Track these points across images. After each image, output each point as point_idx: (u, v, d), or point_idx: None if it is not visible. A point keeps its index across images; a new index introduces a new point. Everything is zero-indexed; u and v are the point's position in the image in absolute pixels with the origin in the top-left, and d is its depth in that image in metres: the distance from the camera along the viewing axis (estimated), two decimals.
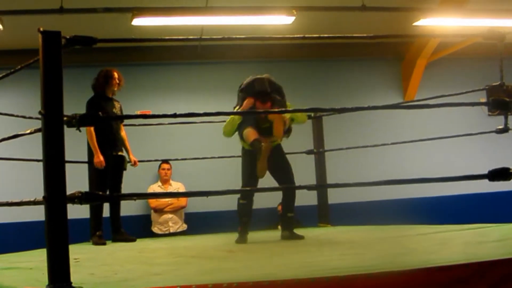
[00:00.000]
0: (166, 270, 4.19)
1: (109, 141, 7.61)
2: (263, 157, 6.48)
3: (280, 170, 6.74)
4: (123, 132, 7.97)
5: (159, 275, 3.90)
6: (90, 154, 7.56)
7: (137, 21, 8.99)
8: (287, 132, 6.90)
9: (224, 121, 6.90)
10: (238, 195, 6.90)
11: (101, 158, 7.40)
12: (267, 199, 8.52)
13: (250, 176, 6.66)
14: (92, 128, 7.37)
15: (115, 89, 7.79)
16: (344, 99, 11.61)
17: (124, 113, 8.14)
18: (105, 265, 4.81)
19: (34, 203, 3.49)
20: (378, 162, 11.65)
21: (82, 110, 7.51)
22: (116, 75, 7.76)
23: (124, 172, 7.81)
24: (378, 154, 11.20)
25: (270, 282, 3.14)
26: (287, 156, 6.88)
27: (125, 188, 7.74)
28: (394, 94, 12.23)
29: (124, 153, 7.87)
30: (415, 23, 9.97)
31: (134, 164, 7.99)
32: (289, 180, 6.67)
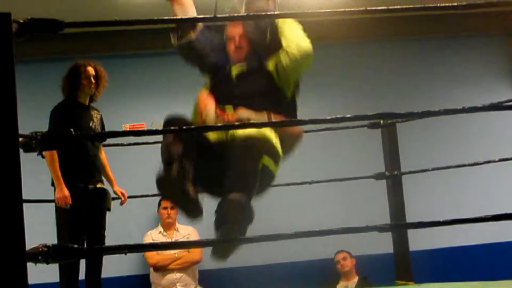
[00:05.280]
0: None
1: (84, 169, 7.43)
2: None
3: None
4: (103, 155, 7.81)
5: None
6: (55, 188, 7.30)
7: None
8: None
9: None
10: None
11: (66, 192, 7.14)
12: (319, 248, 8.51)
13: None
14: (54, 151, 7.12)
15: (91, 91, 7.53)
16: (428, 95, 11.52)
17: (108, 127, 8.07)
18: None
19: None
20: (478, 188, 11.54)
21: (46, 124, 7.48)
22: (89, 70, 7.47)
23: (109, 213, 7.70)
24: (477, 176, 11.06)
25: None
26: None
27: (111, 237, 7.71)
28: (501, 85, 12.10)
29: (106, 185, 7.74)
30: None
31: (122, 198, 7.81)
32: None
